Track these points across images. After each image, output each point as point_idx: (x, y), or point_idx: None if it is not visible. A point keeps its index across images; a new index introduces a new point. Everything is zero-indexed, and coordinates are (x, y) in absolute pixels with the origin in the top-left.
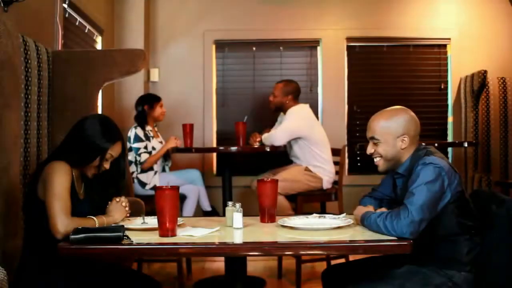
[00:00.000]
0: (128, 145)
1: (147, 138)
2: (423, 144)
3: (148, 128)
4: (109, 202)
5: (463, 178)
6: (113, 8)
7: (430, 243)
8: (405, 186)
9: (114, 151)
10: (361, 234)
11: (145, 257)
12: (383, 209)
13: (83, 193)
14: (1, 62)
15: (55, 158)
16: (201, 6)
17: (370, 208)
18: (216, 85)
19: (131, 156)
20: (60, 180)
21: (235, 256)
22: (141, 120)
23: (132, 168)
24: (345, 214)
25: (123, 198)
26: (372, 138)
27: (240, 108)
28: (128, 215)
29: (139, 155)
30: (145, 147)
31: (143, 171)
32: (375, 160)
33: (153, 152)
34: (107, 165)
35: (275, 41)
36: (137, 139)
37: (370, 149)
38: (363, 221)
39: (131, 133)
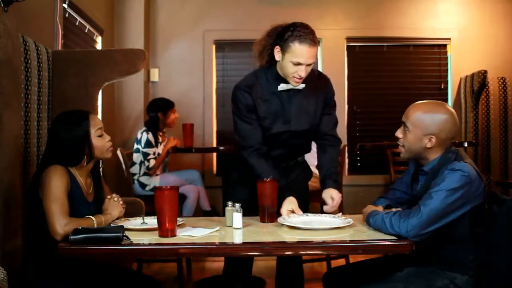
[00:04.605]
0: (136, 146)
1: (156, 144)
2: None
3: (159, 133)
4: (104, 201)
5: None
6: (113, 8)
7: (435, 244)
8: (426, 185)
9: (95, 123)
10: (361, 234)
11: (145, 257)
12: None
13: (93, 196)
14: (1, 62)
15: (49, 163)
16: (201, 6)
17: (379, 208)
18: (216, 85)
19: (135, 158)
20: (55, 184)
21: (235, 256)
22: (154, 126)
23: (135, 169)
24: (340, 213)
25: (114, 195)
26: (404, 124)
27: None
28: (123, 208)
29: (148, 160)
30: (154, 153)
31: (147, 174)
32: (399, 146)
33: (157, 157)
34: (106, 139)
35: None
36: (148, 144)
37: (399, 133)
38: (369, 219)
39: (142, 137)
